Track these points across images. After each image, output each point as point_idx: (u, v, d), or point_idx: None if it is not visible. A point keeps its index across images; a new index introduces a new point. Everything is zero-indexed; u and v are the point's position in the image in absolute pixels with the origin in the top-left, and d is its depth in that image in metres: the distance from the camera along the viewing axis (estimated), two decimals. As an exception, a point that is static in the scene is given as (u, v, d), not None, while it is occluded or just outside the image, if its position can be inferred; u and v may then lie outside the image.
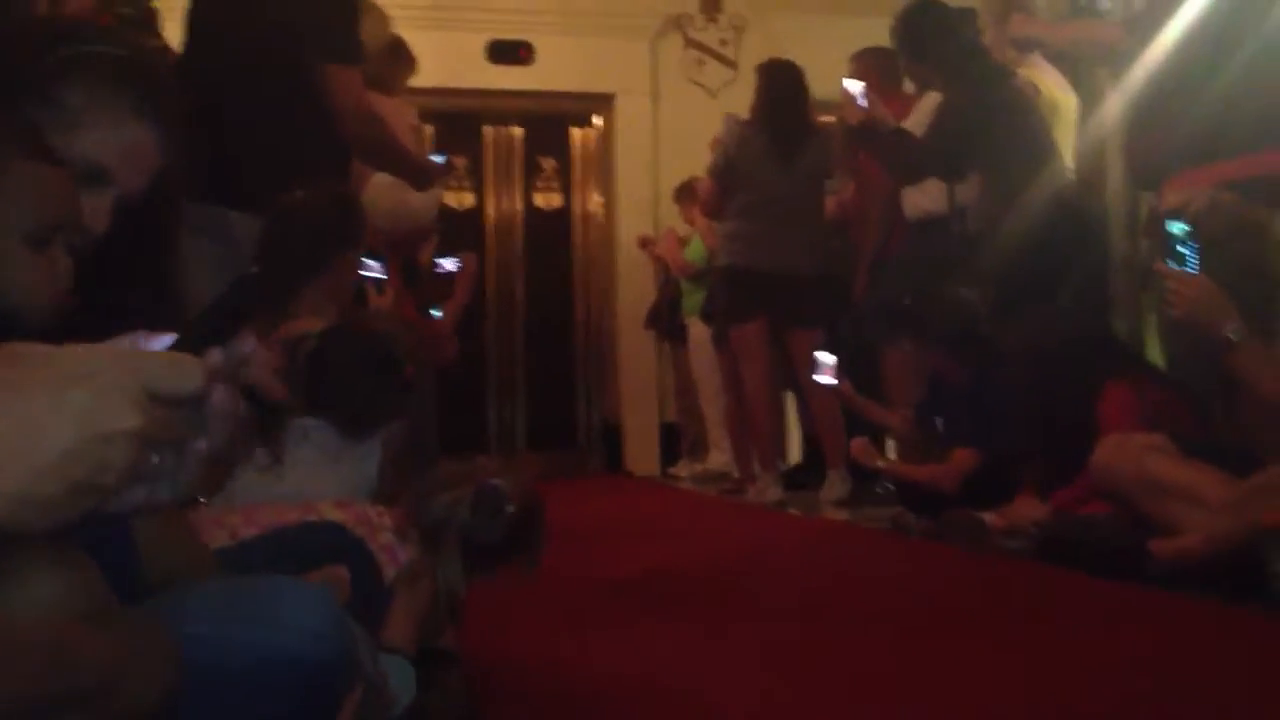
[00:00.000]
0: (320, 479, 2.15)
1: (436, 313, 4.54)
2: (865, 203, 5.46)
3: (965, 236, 4.46)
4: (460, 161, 8.32)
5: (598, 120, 8.50)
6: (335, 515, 1.89)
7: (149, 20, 3.64)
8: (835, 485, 5.38)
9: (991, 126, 4.35)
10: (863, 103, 4.58)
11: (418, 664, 1.77)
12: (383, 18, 4.25)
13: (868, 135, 4.70)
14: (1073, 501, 3.38)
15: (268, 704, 1.17)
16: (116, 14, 3.51)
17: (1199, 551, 2.83)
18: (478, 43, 7.89)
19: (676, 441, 7.90)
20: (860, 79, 4.93)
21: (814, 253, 5.49)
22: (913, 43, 4.70)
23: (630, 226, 8.12)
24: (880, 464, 4.71)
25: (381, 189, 3.85)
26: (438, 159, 4.23)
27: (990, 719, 1.83)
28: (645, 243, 7.82)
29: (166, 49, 3.39)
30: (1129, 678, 2.03)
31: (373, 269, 4.24)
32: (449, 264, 4.65)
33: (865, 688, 2.03)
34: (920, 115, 4.71)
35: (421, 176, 3.66)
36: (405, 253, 4.32)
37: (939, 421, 4.28)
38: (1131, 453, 3.07)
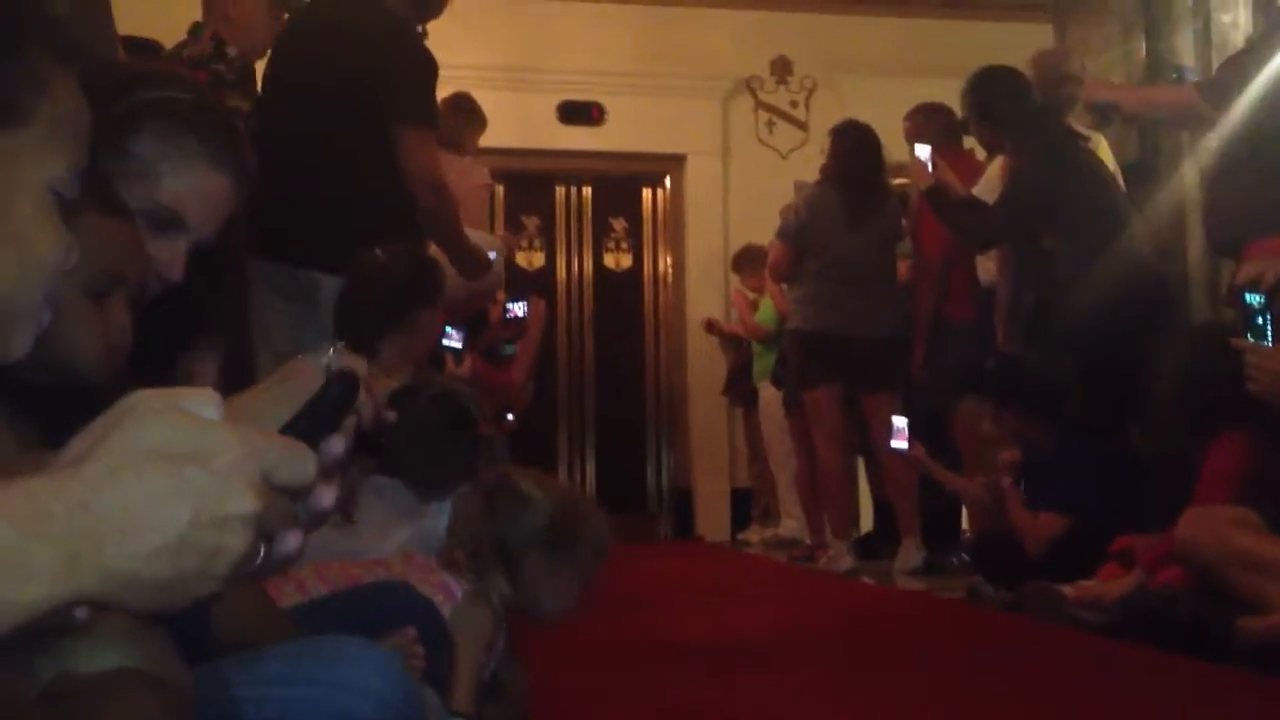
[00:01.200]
0: (391, 536, 2.14)
1: (510, 349, 4.56)
2: (920, 268, 5.42)
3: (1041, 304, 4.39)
4: (531, 222, 8.39)
5: (668, 181, 8.55)
6: (402, 571, 1.88)
7: (245, 79, 3.63)
8: (910, 554, 5.28)
9: (1067, 191, 4.30)
10: (931, 168, 4.56)
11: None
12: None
13: (938, 201, 4.66)
14: (1155, 563, 3.28)
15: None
16: (212, 70, 3.53)
17: (1288, 629, 2.73)
18: (549, 103, 7.96)
19: (747, 507, 7.83)
20: (917, 137, 4.91)
21: (887, 316, 5.42)
22: (984, 105, 4.67)
23: (701, 288, 8.12)
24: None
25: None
26: (491, 254, 4.17)
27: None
28: (711, 326, 7.80)
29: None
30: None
31: (452, 338, 4.27)
32: (518, 309, 4.68)
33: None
34: (989, 181, 4.67)
35: (470, 266, 3.59)
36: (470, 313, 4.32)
37: (1021, 488, 4.19)
38: (1216, 525, 2.98)
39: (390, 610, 1.66)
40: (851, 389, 5.48)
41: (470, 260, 3.58)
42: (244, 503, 0.66)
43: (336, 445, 0.74)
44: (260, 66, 3.55)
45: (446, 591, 1.84)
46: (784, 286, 6.11)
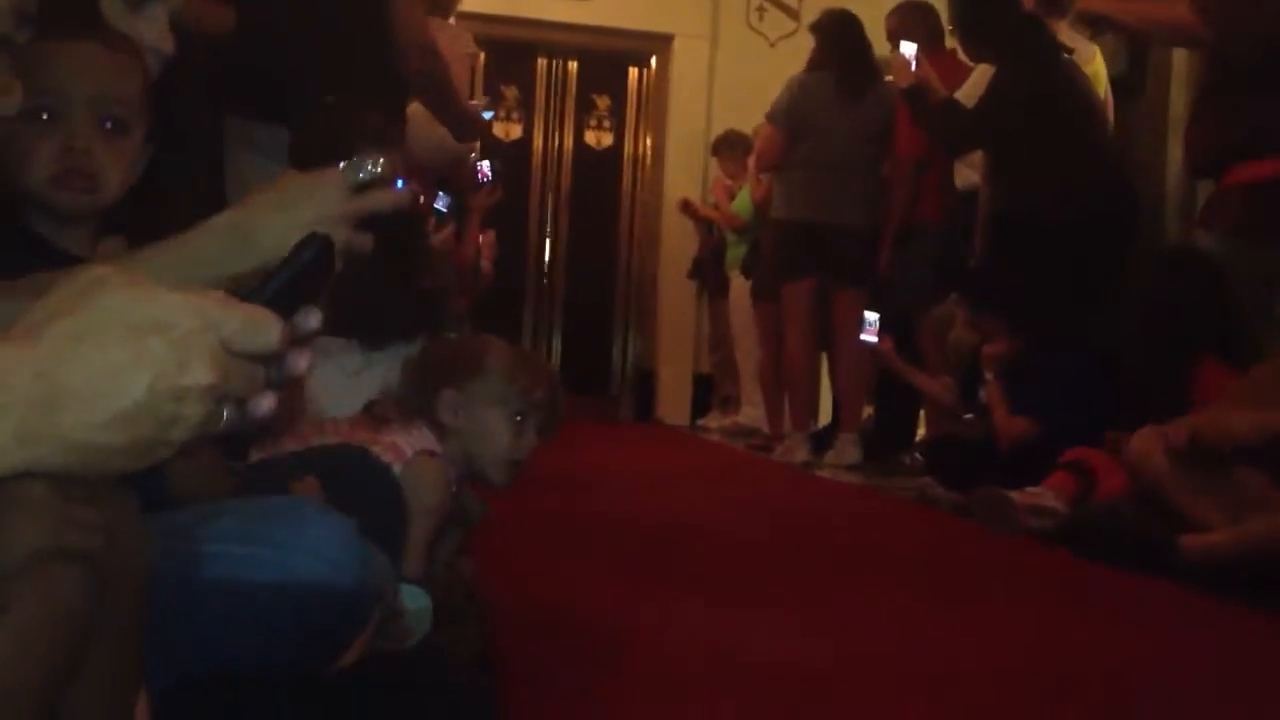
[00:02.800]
0: (341, 395, 2.15)
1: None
2: (895, 167, 5.40)
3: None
4: (510, 92, 8.27)
5: (654, 61, 8.42)
6: (350, 433, 1.88)
7: None
8: (846, 449, 5.37)
9: (1046, 105, 4.27)
10: (916, 67, 4.51)
11: (435, 596, 1.76)
12: None
13: (917, 102, 4.63)
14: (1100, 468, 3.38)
15: (285, 625, 1.17)
16: None
17: (1230, 550, 2.80)
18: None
19: (709, 393, 7.89)
20: (901, 35, 4.86)
21: (871, 208, 5.41)
22: (968, 12, 4.61)
23: (680, 172, 8.07)
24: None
25: (420, 122, 3.80)
26: (486, 114, 4.19)
27: (976, 687, 1.82)
28: (687, 206, 7.75)
29: None
30: (1126, 668, 2.01)
31: (440, 201, 4.28)
32: (486, 168, 4.95)
33: (857, 647, 2.03)
34: (972, 86, 4.63)
35: (466, 127, 3.62)
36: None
37: (981, 393, 4.25)
38: (1162, 447, 3.05)
39: (345, 472, 1.67)
40: (826, 282, 5.50)
41: (465, 120, 3.59)
42: (201, 373, 0.67)
43: (312, 319, 0.74)
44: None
45: (396, 451, 1.85)
46: (763, 176, 6.10)
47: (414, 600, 1.68)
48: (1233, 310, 3.52)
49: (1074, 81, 4.44)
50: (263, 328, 0.70)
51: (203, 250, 1.11)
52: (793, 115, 5.46)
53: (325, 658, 1.23)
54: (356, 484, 1.71)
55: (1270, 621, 2.44)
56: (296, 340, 0.72)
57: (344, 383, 2.27)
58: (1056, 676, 1.93)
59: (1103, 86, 4.74)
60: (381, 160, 1.19)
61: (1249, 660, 2.15)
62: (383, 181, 1.18)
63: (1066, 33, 4.61)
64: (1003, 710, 1.74)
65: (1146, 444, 3.13)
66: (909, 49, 4.54)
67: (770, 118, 5.63)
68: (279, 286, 0.75)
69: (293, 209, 1.13)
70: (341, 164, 1.18)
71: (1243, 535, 2.80)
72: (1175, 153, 4.74)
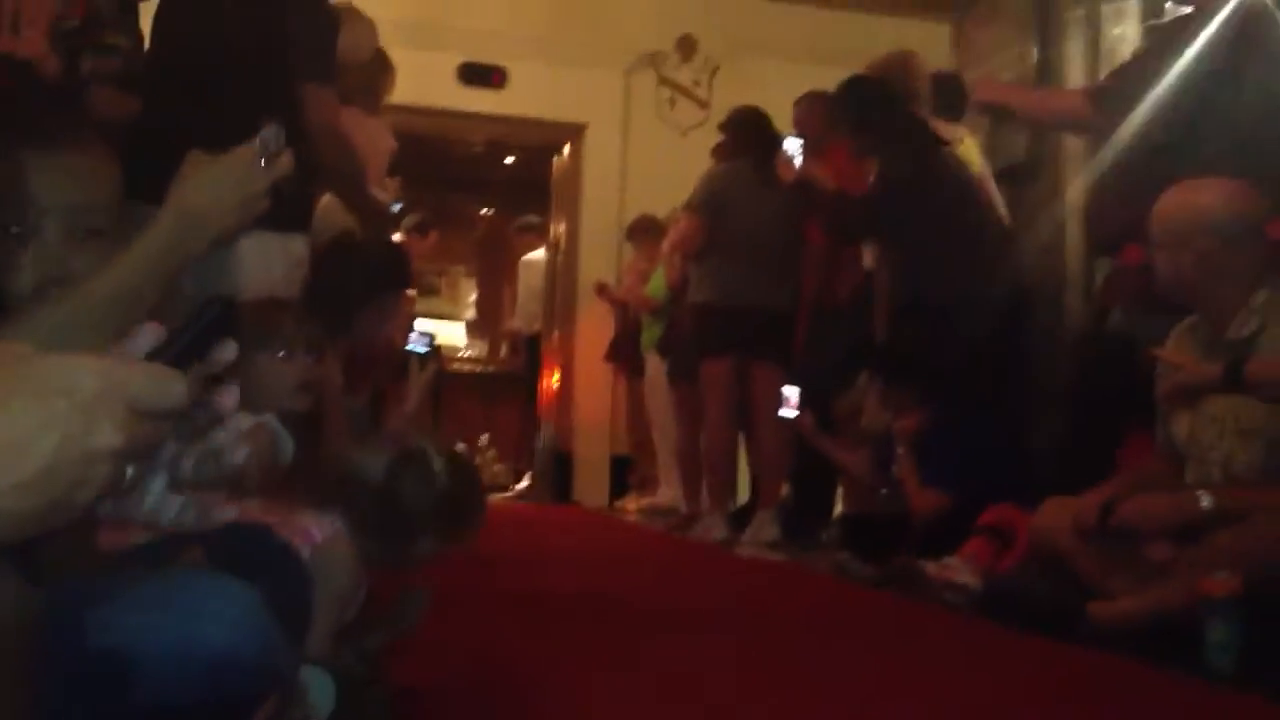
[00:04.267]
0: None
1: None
2: (806, 250, 5.52)
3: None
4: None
5: (567, 149, 8.51)
6: (260, 514, 1.85)
7: (128, 11, 3.52)
8: (764, 526, 5.39)
9: (928, 195, 4.45)
10: (799, 162, 4.71)
11: (339, 677, 1.73)
12: (372, 28, 4.21)
13: (806, 194, 4.80)
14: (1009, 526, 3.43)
15: (182, 694, 1.14)
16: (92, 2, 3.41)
17: (1137, 616, 2.84)
18: (450, 63, 7.86)
19: (626, 474, 7.88)
20: (805, 125, 5.03)
21: (786, 290, 5.52)
22: (855, 111, 4.79)
23: (594, 257, 8.13)
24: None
25: (330, 212, 3.80)
26: (394, 206, 4.28)
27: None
28: (602, 290, 7.80)
29: (139, 45, 3.32)
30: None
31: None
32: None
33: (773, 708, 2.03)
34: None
35: (375, 220, 3.65)
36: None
37: (895, 467, 4.30)
38: (1070, 516, 3.10)
39: (244, 552, 1.64)
40: (744, 361, 5.56)
41: (371, 210, 3.66)
42: (108, 435, 0.67)
43: (229, 351, 0.75)
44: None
45: (305, 535, 1.82)
46: (676, 260, 6.17)
47: (316, 680, 1.64)
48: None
49: (956, 171, 4.61)
50: (168, 386, 0.70)
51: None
52: (711, 204, 5.56)
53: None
54: (257, 563, 1.68)
55: (1173, 681, 2.48)
56: (215, 378, 0.73)
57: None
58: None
59: (976, 167, 4.92)
60: (278, 129, 1.37)
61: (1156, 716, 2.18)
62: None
63: (939, 124, 4.79)
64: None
65: (1053, 518, 3.18)
66: (793, 144, 4.74)
67: (690, 207, 5.72)
68: (183, 346, 0.75)
69: (220, 187, 1.32)
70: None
71: (1151, 601, 2.85)
72: (1074, 232, 4.88)
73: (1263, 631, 2.51)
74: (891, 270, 4.68)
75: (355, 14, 4.02)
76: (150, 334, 0.75)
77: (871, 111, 4.69)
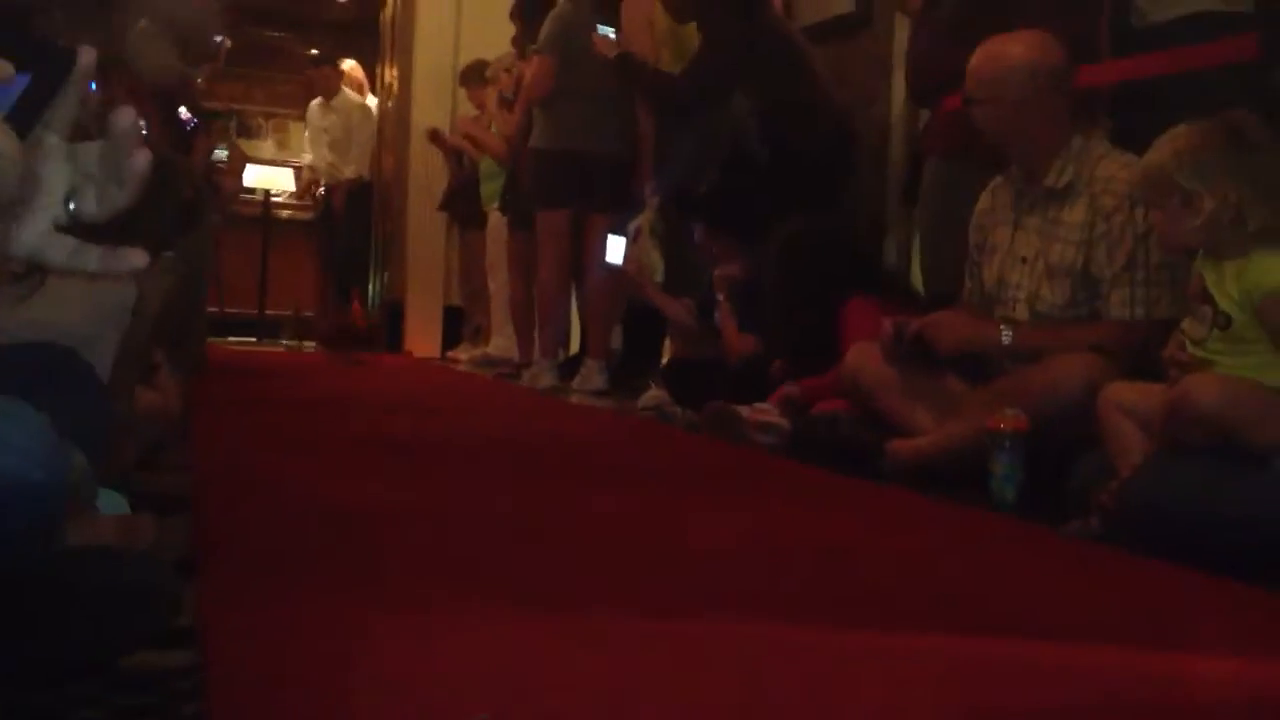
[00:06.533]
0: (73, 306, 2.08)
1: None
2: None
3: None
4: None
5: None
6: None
7: None
8: (592, 375, 5.47)
9: (756, 52, 4.50)
10: (614, 38, 4.75)
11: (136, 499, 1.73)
12: None
13: (629, 73, 4.85)
14: (815, 396, 3.57)
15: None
16: None
17: (931, 451, 3.01)
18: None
19: (458, 326, 7.87)
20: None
21: (625, 134, 5.49)
22: None
23: (427, 104, 7.96)
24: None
25: (149, 40, 3.64)
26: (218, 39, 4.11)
27: (703, 565, 1.95)
28: (435, 137, 7.63)
29: None
30: (831, 547, 2.19)
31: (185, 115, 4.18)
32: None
33: (594, 544, 2.12)
34: None
35: (204, 51, 3.52)
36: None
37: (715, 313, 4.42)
38: (875, 358, 3.24)
39: (45, 370, 1.61)
40: (581, 211, 5.56)
41: (204, 46, 3.62)
42: None
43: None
44: None
45: None
46: (516, 108, 6.10)
47: (111, 503, 1.64)
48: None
49: (780, 25, 4.69)
50: None
51: None
52: (562, 44, 5.46)
53: (9, 554, 1.19)
54: (58, 385, 1.65)
55: (960, 511, 2.64)
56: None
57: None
58: (769, 551, 2.13)
59: None
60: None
61: (941, 543, 2.33)
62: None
63: None
64: (727, 581, 1.86)
65: (860, 357, 3.31)
66: (607, 30, 4.83)
67: (541, 49, 5.60)
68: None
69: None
70: None
71: (943, 438, 3.01)
72: (899, 83, 4.97)
73: (1043, 465, 2.68)
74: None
75: None
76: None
77: None
